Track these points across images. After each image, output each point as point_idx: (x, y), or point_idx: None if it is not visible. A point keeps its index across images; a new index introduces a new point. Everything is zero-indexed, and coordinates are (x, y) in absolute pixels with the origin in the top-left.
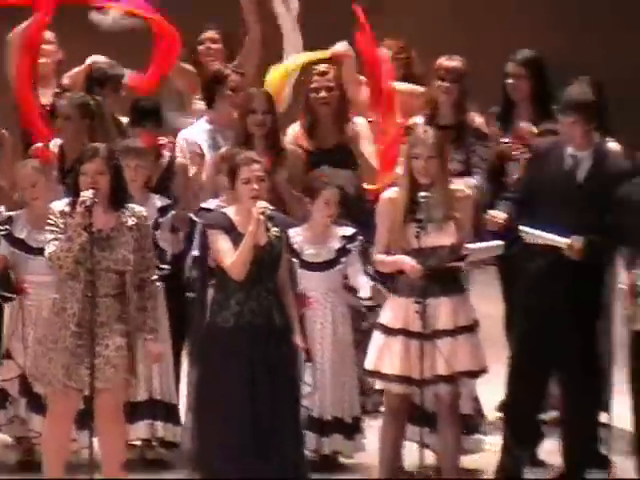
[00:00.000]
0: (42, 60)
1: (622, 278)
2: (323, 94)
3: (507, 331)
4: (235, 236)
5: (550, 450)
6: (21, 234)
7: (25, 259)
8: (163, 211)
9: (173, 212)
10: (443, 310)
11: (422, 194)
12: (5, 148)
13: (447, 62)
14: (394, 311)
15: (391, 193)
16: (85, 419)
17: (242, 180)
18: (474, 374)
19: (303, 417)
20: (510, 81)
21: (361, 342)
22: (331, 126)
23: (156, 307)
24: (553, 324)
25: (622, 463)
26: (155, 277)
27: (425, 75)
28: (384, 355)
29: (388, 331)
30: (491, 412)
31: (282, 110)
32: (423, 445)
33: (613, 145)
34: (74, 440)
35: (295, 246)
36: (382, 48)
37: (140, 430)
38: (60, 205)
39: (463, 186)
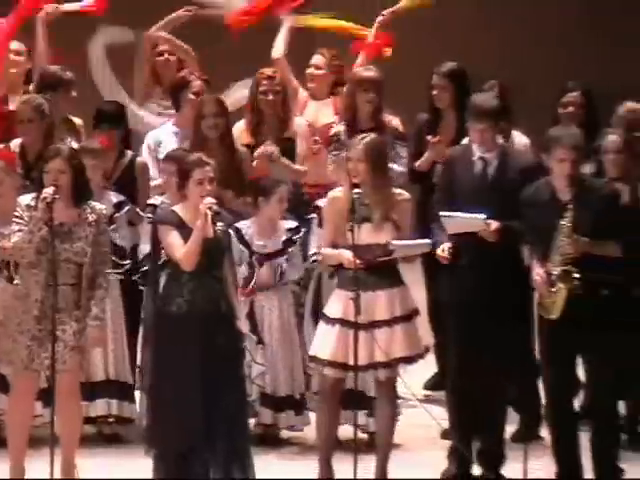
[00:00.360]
0: (12, 70)
1: (535, 270)
2: (271, 97)
3: (430, 320)
4: (184, 231)
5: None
6: None
7: None
8: (119, 207)
9: (128, 207)
10: (380, 302)
11: (355, 191)
12: None
13: (367, 73)
14: (335, 302)
15: (335, 192)
16: (50, 397)
17: (196, 181)
18: (411, 359)
19: (257, 395)
20: (435, 92)
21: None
22: (275, 124)
23: (104, 297)
24: (480, 317)
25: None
26: (108, 270)
27: None
28: (323, 342)
29: (328, 320)
30: (419, 390)
31: None
32: (357, 426)
33: (522, 140)
34: (39, 416)
35: (246, 238)
36: (317, 55)
37: (98, 407)
38: (26, 199)
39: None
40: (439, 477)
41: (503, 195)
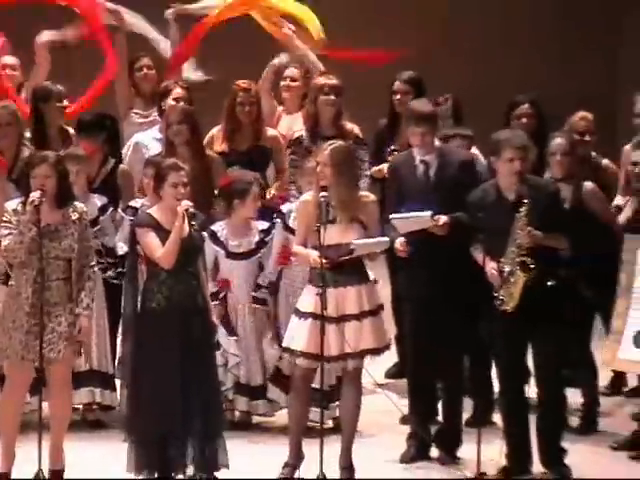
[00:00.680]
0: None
1: (489, 265)
2: (247, 108)
3: (393, 313)
4: (160, 232)
5: None
6: None
7: None
8: (103, 209)
9: (112, 209)
10: (350, 297)
11: (321, 194)
12: None
13: (330, 80)
14: (306, 297)
15: (306, 196)
16: (37, 386)
17: (171, 184)
18: (378, 351)
19: (232, 384)
20: (397, 97)
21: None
22: (248, 133)
23: (93, 288)
24: (432, 310)
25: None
26: (93, 263)
27: None
28: (296, 335)
29: (300, 314)
30: (382, 378)
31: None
32: (322, 408)
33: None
34: (27, 403)
35: (221, 238)
36: (292, 69)
37: (82, 395)
38: (13, 204)
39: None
40: (399, 459)
41: (447, 192)
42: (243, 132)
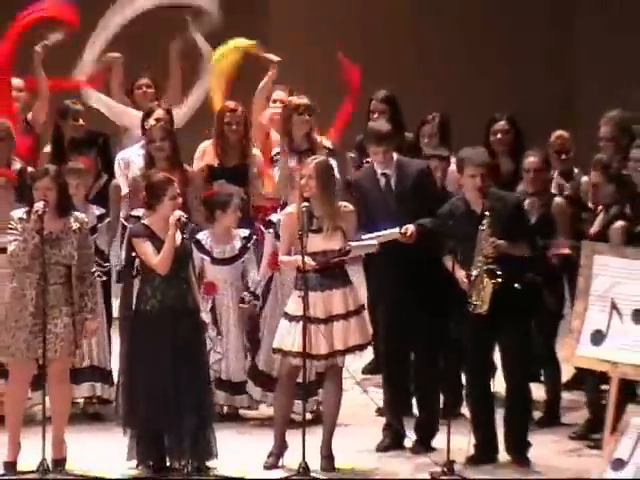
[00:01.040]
0: (15, 104)
1: (459, 273)
2: (234, 127)
3: (369, 313)
4: (155, 241)
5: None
6: None
7: None
8: (100, 218)
9: (108, 219)
10: (337, 299)
11: (303, 204)
12: None
13: (302, 100)
14: (295, 302)
15: (290, 208)
16: (39, 382)
17: (170, 197)
18: (363, 347)
19: (213, 379)
20: (375, 115)
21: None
22: (236, 151)
23: (95, 293)
24: (405, 309)
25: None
26: (94, 269)
27: None
28: (287, 336)
29: (290, 317)
30: (358, 374)
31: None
32: (304, 399)
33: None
34: (30, 398)
35: (206, 246)
36: (279, 91)
37: (83, 390)
38: (18, 213)
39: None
40: (375, 448)
41: (408, 199)
42: (231, 149)
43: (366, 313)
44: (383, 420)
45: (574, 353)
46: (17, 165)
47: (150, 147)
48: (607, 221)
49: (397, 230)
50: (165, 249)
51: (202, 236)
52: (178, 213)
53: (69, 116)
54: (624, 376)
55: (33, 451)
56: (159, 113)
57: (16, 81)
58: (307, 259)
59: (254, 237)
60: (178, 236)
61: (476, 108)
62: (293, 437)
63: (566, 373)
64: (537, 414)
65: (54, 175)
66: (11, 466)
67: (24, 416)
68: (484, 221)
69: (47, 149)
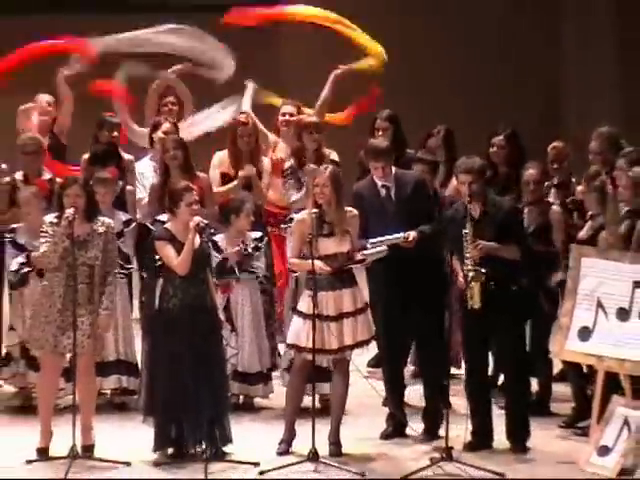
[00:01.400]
0: (43, 118)
1: (458, 273)
2: (245, 138)
3: (371, 311)
4: (176, 243)
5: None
6: (21, 240)
7: None
8: (127, 224)
9: (134, 224)
10: (346, 298)
11: (312, 211)
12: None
13: (312, 119)
14: (306, 301)
15: (301, 215)
16: (71, 374)
17: (187, 203)
18: (368, 341)
19: (230, 372)
20: (380, 133)
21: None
22: (248, 159)
23: (113, 292)
24: (402, 303)
25: (460, 401)
26: (116, 270)
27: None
28: (300, 333)
29: (303, 315)
30: (364, 367)
31: None
32: (315, 392)
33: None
34: (63, 389)
35: (222, 248)
36: (288, 106)
37: (110, 382)
38: (50, 218)
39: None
40: (379, 436)
41: (407, 208)
42: (244, 158)
43: (368, 311)
44: (386, 410)
45: (563, 348)
46: (47, 175)
47: (165, 157)
48: (595, 229)
49: (401, 235)
50: (185, 251)
51: (218, 238)
52: (197, 218)
53: (105, 128)
54: (609, 369)
55: (64, 438)
56: (167, 126)
57: (46, 97)
58: (320, 262)
59: (265, 238)
60: (197, 239)
61: (480, 122)
62: (304, 426)
63: (556, 367)
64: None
65: (82, 184)
66: (43, 452)
67: (56, 405)
68: (467, 225)
69: (86, 156)
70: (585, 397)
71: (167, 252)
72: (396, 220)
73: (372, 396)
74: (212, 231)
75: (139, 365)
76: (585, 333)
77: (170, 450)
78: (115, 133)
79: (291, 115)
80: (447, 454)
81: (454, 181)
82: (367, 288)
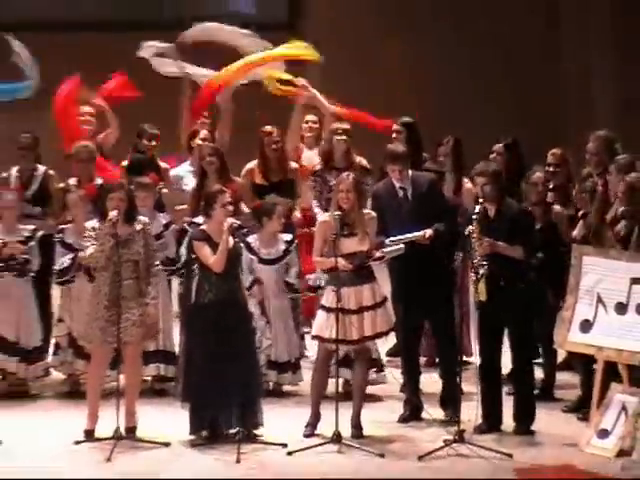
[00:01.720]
0: (86, 127)
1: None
2: (273, 146)
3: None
4: (211, 243)
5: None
6: (69, 240)
7: None
8: (167, 226)
9: (174, 226)
10: (366, 293)
11: (335, 213)
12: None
13: (342, 124)
14: (330, 296)
15: (325, 217)
16: (115, 363)
17: (222, 204)
18: (387, 333)
19: (265, 361)
20: (394, 135)
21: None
22: (276, 168)
23: (158, 282)
24: (418, 297)
25: (469, 389)
26: (157, 262)
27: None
28: (325, 325)
29: (327, 309)
30: (383, 356)
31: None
32: (338, 379)
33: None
34: (108, 376)
35: (255, 249)
36: (311, 115)
37: (151, 369)
38: (91, 223)
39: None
40: (397, 419)
41: (422, 207)
42: (273, 166)
43: (389, 304)
44: (403, 396)
45: (566, 339)
46: (98, 181)
47: (202, 162)
48: (587, 228)
49: (419, 233)
50: (219, 251)
51: (252, 239)
52: (231, 220)
53: (144, 137)
54: (608, 359)
55: (109, 421)
56: (204, 133)
57: (88, 109)
58: (342, 260)
59: (295, 241)
60: (230, 240)
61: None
62: (328, 410)
63: (559, 357)
64: (535, 392)
65: (125, 189)
66: (90, 433)
67: (102, 391)
68: (474, 223)
69: (124, 163)
70: (590, 386)
71: (204, 251)
72: (412, 219)
73: (390, 382)
74: (244, 232)
75: (177, 354)
76: (586, 326)
77: (205, 432)
78: (153, 142)
79: (314, 123)
80: (459, 436)
81: (466, 186)
82: (389, 284)
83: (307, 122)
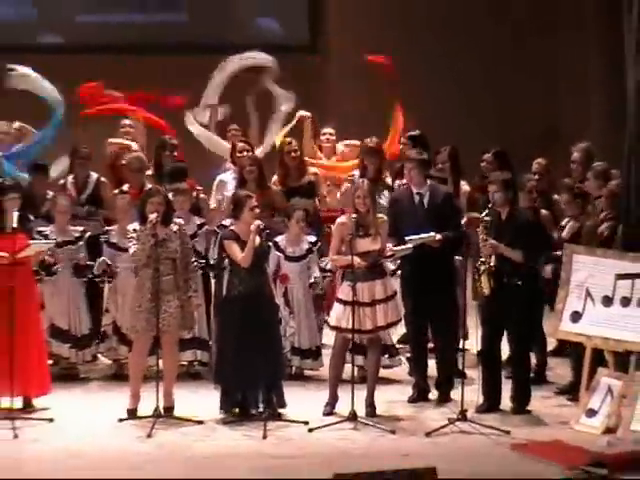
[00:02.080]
0: (126, 137)
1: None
2: (292, 155)
3: (402, 298)
4: (239, 242)
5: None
6: (114, 240)
7: (117, 255)
8: (200, 226)
9: (207, 227)
10: (378, 287)
11: (352, 216)
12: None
13: (372, 143)
14: (346, 290)
15: (342, 218)
16: (154, 349)
17: (250, 208)
18: (397, 323)
19: (289, 348)
20: (402, 147)
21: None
22: (295, 174)
23: (195, 278)
24: (425, 293)
25: (471, 374)
26: (194, 260)
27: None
28: (342, 316)
29: (343, 302)
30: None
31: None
32: (354, 364)
33: (464, 187)
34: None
35: (281, 247)
36: (329, 128)
37: (187, 355)
38: (132, 226)
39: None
40: (407, 400)
41: (436, 215)
42: (292, 172)
43: (399, 297)
44: (412, 379)
45: (557, 329)
46: (148, 186)
47: (243, 172)
48: (574, 229)
49: (431, 234)
50: (247, 248)
51: (279, 239)
52: (257, 222)
53: (166, 149)
54: (595, 346)
55: (149, 401)
56: (241, 146)
57: (128, 121)
58: (357, 258)
59: (319, 242)
60: (257, 239)
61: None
62: (345, 391)
63: (550, 344)
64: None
65: (164, 194)
66: (132, 412)
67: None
68: (480, 225)
69: (149, 172)
70: (580, 371)
71: (233, 249)
72: (426, 223)
73: (402, 367)
74: (268, 232)
75: (210, 342)
76: (576, 317)
77: (235, 411)
78: (174, 153)
79: (331, 135)
80: (462, 415)
81: (463, 188)
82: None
83: (324, 134)
